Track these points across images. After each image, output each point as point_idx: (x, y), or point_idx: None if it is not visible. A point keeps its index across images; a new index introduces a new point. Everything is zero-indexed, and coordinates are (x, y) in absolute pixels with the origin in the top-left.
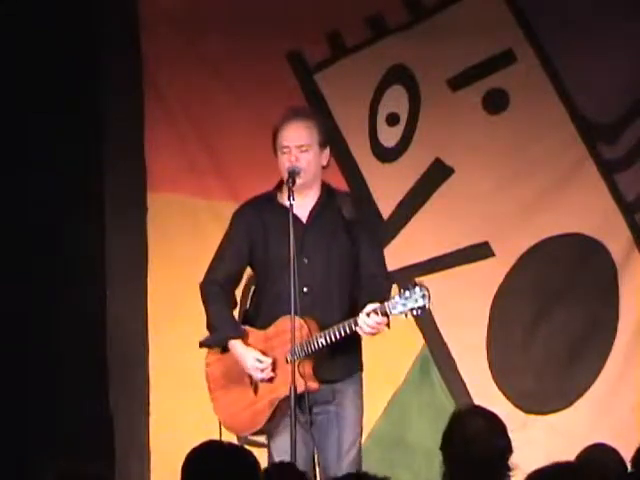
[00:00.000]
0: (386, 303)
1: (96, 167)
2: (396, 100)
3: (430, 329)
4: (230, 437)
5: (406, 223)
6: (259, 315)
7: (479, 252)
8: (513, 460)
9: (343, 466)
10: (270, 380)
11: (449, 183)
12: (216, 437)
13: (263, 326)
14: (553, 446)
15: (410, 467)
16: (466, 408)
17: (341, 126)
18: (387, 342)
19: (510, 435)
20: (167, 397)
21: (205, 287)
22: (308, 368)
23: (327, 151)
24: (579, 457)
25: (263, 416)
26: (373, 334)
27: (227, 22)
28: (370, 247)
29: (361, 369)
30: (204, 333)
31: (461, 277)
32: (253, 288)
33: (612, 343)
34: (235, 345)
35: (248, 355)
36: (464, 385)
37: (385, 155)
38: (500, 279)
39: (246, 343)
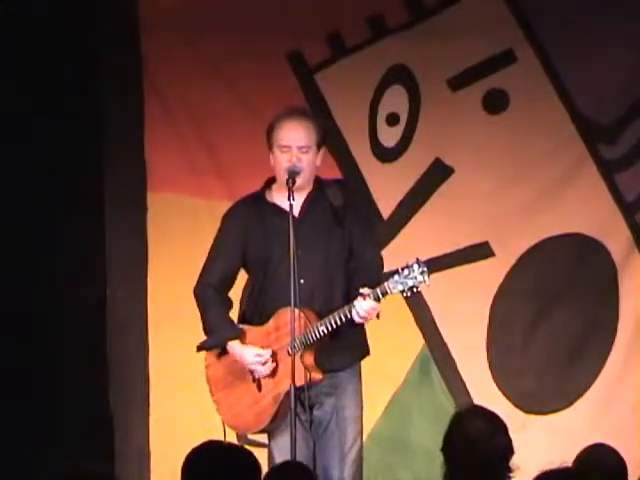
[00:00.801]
0: (385, 283)
1: (96, 167)
2: (396, 100)
3: (430, 329)
4: (228, 436)
5: (406, 223)
6: (256, 313)
7: (479, 252)
8: (514, 461)
9: (344, 466)
10: (273, 375)
11: (449, 183)
12: (216, 437)
13: (262, 323)
14: (553, 446)
15: (410, 467)
16: (467, 409)
17: (341, 126)
18: (387, 342)
19: (510, 435)
20: (167, 397)
21: (199, 291)
22: (310, 359)
23: (322, 152)
24: (579, 457)
25: (268, 413)
26: (366, 320)
27: (227, 22)
28: (362, 236)
29: (364, 356)
30: (204, 333)
31: (461, 277)
32: (249, 289)
33: (612, 343)
34: (233, 346)
35: (247, 352)
36: (464, 385)
37: (385, 155)
38: (500, 279)
39: (245, 341)
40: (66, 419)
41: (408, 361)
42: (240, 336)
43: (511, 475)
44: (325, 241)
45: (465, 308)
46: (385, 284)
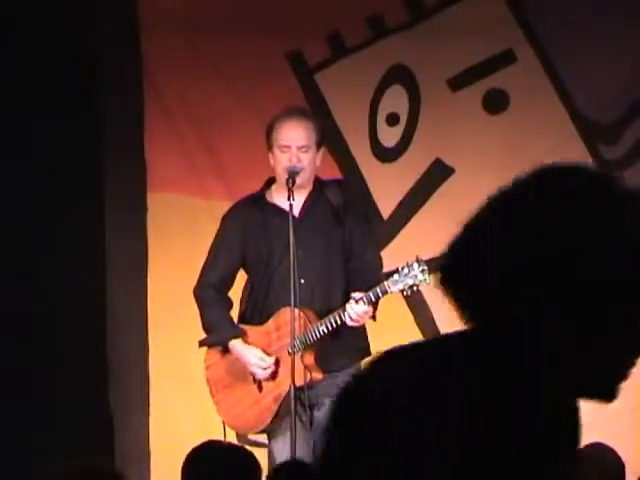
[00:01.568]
0: (385, 282)
1: (96, 167)
2: (396, 100)
3: (430, 329)
4: (228, 436)
5: (406, 223)
6: (256, 313)
7: None
8: None
9: None
10: (273, 376)
11: (449, 183)
12: (216, 437)
13: (262, 322)
14: None
15: None
16: None
17: (341, 126)
18: (387, 342)
19: None
20: (167, 397)
21: (199, 291)
22: (310, 359)
23: (321, 152)
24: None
25: (269, 413)
26: (358, 323)
27: (227, 22)
28: (361, 236)
29: (368, 354)
30: (204, 333)
31: None
32: (249, 289)
33: None
34: (235, 345)
35: (250, 353)
36: None
37: (385, 155)
38: None
39: (246, 341)
40: (66, 419)
41: None
42: (242, 335)
43: None
44: (325, 241)
45: None
46: (385, 283)
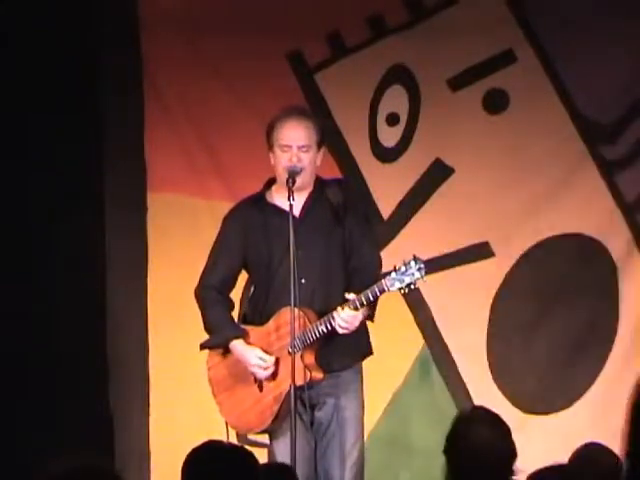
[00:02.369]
0: (382, 280)
1: (96, 167)
2: (396, 100)
3: (430, 329)
4: (230, 437)
5: (406, 223)
6: (257, 313)
7: (479, 252)
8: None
9: (346, 466)
10: (274, 375)
11: (449, 183)
12: (216, 437)
13: (262, 323)
14: (553, 446)
15: (410, 467)
16: (470, 411)
17: (341, 126)
18: (387, 342)
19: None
20: (167, 397)
21: (200, 292)
22: (311, 358)
23: (322, 152)
24: (573, 456)
25: (270, 413)
26: (348, 329)
27: (227, 22)
28: (361, 235)
29: (367, 356)
30: (204, 333)
31: (461, 277)
32: (250, 289)
33: (612, 343)
34: (236, 345)
35: (250, 353)
36: (464, 385)
37: (385, 155)
38: (500, 279)
39: (248, 342)
40: (66, 419)
41: (408, 361)
42: (243, 335)
43: (514, 478)
44: (325, 241)
45: (465, 308)
46: (382, 281)
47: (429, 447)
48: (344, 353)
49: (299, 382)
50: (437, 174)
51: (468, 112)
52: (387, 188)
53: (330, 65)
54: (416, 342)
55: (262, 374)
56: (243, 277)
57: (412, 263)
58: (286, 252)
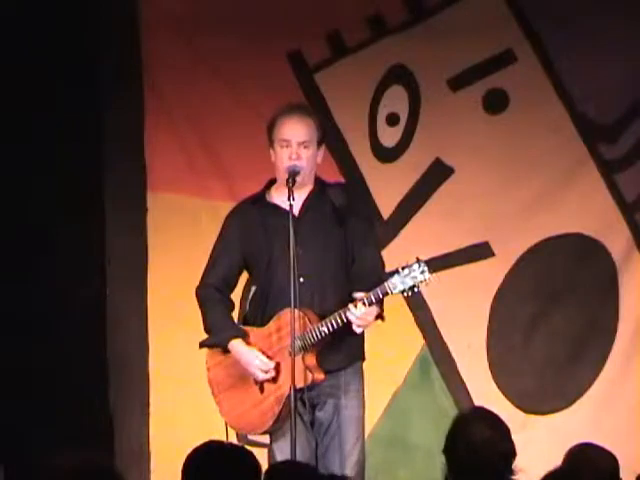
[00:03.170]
0: (385, 283)
1: (96, 167)
2: (396, 100)
3: (430, 329)
4: (229, 436)
5: (406, 223)
6: (258, 313)
7: (479, 252)
8: (515, 462)
9: (346, 466)
10: (275, 377)
11: (449, 183)
12: (216, 437)
13: (263, 324)
14: (553, 446)
15: (410, 467)
16: (470, 412)
17: (341, 126)
18: (387, 342)
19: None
20: (167, 397)
21: (201, 292)
22: (312, 359)
23: (322, 149)
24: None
25: (272, 414)
26: (362, 326)
27: (227, 22)
28: (363, 238)
29: (363, 358)
30: (204, 333)
31: (461, 277)
32: (250, 289)
33: (612, 343)
34: (236, 345)
35: (251, 355)
36: (464, 385)
37: (385, 155)
38: (500, 279)
39: (248, 342)
40: (66, 419)
41: (408, 361)
42: (243, 336)
43: (514, 478)
44: (324, 240)
45: (465, 308)
46: (385, 284)
47: (429, 447)
48: (342, 354)
49: (300, 384)
50: (437, 174)
51: (468, 112)
52: (387, 188)
53: (330, 65)
54: (416, 342)
55: (262, 376)
56: (244, 278)
57: (415, 266)
58: (285, 251)
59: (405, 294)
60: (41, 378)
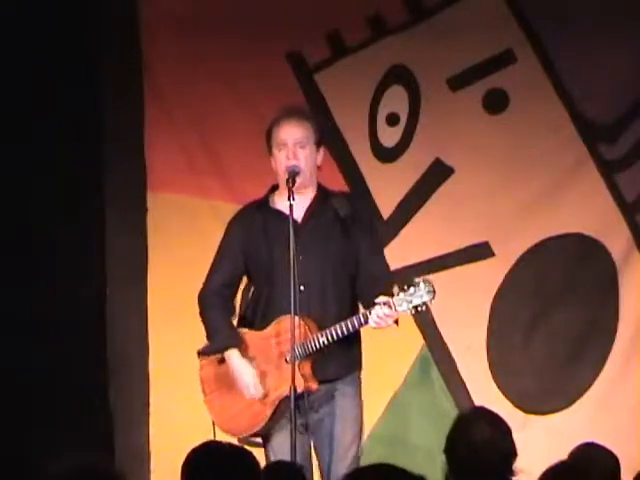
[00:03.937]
0: (390, 300)
1: (96, 167)
2: (396, 100)
3: (430, 329)
4: (230, 437)
5: (406, 223)
6: (256, 317)
7: (479, 252)
8: (516, 462)
9: (342, 466)
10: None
11: (449, 183)
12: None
13: (262, 327)
14: (553, 446)
15: (410, 467)
16: (471, 412)
17: (341, 126)
18: (387, 342)
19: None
20: (167, 397)
21: (202, 296)
22: (307, 368)
23: (322, 151)
24: (571, 457)
25: (262, 417)
26: (381, 326)
27: (227, 22)
28: (369, 248)
29: (360, 368)
30: (204, 333)
31: (461, 277)
32: (251, 292)
33: (612, 343)
34: (231, 356)
35: (246, 371)
36: (464, 385)
37: (385, 155)
38: (500, 279)
39: (244, 348)
40: (66, 419)
41: (408, 361)
42: (239, 344)
43: (514, 478)
44: (326, 248)
45: (465, 308)
46: (390, 301)
47: (429, 447)
48: (339, 363)
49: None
50: (437, 174)
51: (468, 112)
52: (387, 188)
53: (330, 65)
54: (416, 342)
55: (249, 396)
56: (243, 280)
57: (422, 285)
58: (286, 257)
59: (410, 312)
60: (41, 378)
